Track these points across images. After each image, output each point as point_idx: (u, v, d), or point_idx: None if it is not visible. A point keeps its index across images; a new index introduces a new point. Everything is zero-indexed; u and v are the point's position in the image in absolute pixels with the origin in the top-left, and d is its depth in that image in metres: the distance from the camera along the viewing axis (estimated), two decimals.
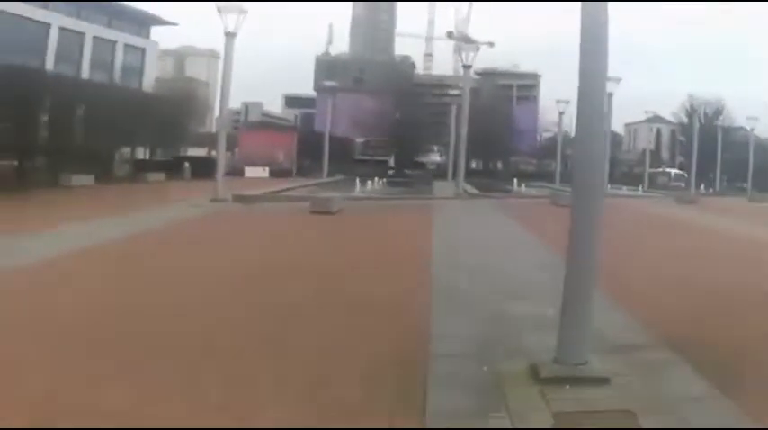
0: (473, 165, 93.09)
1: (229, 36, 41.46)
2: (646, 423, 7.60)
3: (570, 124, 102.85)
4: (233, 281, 15.79)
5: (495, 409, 7.91)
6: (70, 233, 23.19)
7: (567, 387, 8.59)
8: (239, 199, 40.35)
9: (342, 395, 8.43)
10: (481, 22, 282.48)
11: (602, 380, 8.77)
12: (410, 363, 9.60)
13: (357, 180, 60.98)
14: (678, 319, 12.71)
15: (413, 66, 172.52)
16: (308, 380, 8.95)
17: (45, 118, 51.97)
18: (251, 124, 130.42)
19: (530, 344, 10.54)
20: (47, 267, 16.69)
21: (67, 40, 73.39)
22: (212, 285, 15.25)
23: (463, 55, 58.73)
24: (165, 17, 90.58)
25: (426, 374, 9.07)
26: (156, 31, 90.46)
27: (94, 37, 77.34)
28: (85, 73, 73.84)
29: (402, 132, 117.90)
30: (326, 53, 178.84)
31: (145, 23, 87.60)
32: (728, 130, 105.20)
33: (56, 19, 72.09)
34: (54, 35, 71.64)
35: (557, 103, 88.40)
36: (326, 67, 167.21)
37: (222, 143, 44.85)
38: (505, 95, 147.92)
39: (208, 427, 7.62)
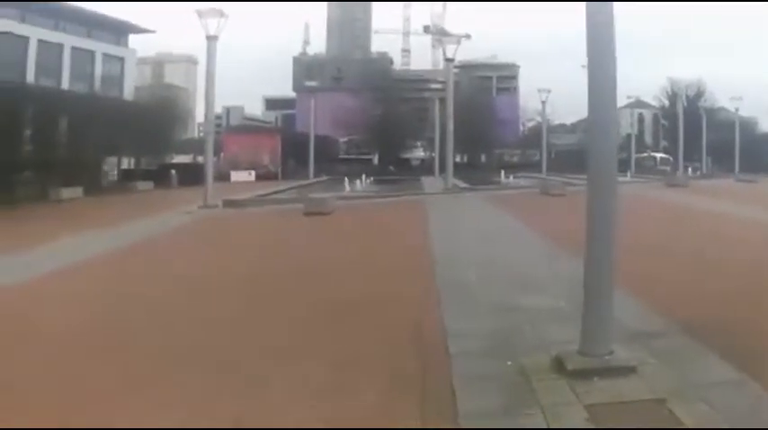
0: (457, 158, 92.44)
1: (211, 40, 41.14)
2: (678, 410, 7.60)
3: (553, 113, 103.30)
4: (254, 286, 15.89)
5: (526, 406, 7.91)
6: (76, 245, 23.32)
7: (596, 378, 8.58)
8: (230, 204, 40.08)
9: (368, 399, 8.40)
10: (456, 15, 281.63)
11: (629, 370, 8.78)
12: (433, 362, 9.62)
13: (346, 179, 60.81)
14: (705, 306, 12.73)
15: (391, 62, 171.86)
16: (328, 384, 8.95)
17: (29, 131, 51.76)
18: (234, 128, 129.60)
19: (548, 336, 10.55)
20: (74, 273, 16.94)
21: (47, 53, 73.01)
22: (230, 294, 15.20)
23: (445, 48, 58.57)
24: (142, 25, 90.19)
25: (451, 373, 9.07)
26: (133, 39, 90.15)
27: (73, 47, 76.90)
28: (66, 84, 73.40)
29: (384, 129, 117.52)
30: (304, 53, 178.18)
31: (123, 32, 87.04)
32: (711, 112, 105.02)
33: (35, 32, 71.80)
34: (33, 48, 71.33)
35: (538, 92, 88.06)
36: (305, 67, 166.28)
37: (210, 148, 44.25)
38: (485, 87, 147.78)
39: (208, 427, 7.66)
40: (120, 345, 10.94)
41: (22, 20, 71.38)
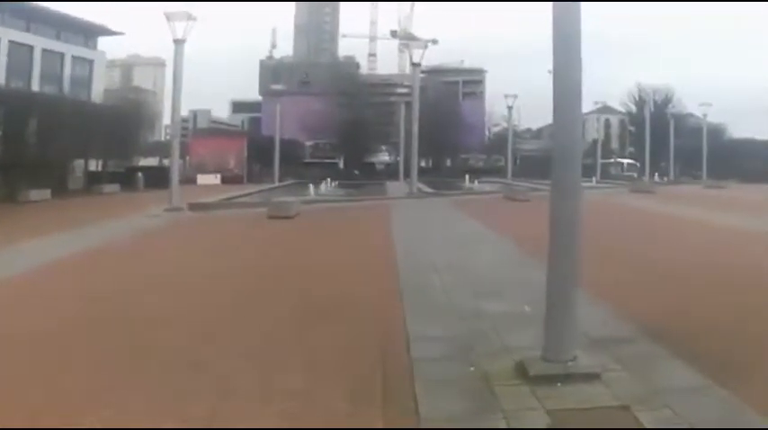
0: (422, 163, 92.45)
1: (178, 43, 40.88)
2: (642, 417, 7.57)
3: (519, 118, 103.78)
4: (217, 289, 15.68)
5: (488, 411, 7.87)
6: (37, 248, 22.75)
7: (558, 384, 8.55)
8: (195, 207, 39.84)
9: (331, 405, 8.28)
10: (423, 19, 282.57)
11: (592, 376, 8.73)
12: (395, 367, 9.55)
13: (311, 184, 60.89)
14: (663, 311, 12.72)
15: (357, 66, 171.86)
16: (288, 389, 8.78)
17: None
18: (201, 131, 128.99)
19: (511, 342, 10.49)
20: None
21: (17, 54, 72.98)
22: (188, 296, 14.94)
23: (412, 52, 58.67)
24: (111, 27, 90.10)
25: (413, 378, 9.01)
26: (103, 42, 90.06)
27: (43, 49, 77.00)
28: (35, 86, 73.62)
29: (350, 133, 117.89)
30: (271, 57, 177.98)
31: (92, 34, 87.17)
32: (679, 118, 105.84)
33: (5, 33, 71.63)
34: (3, 49, 71.23)
35: (505, 98, 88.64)
36: (271, 70, 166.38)
37: (176, 152, 44.14)
38: (452, 92, 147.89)
39: (206, 427, 7.58)
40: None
41: None
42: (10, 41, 72.24)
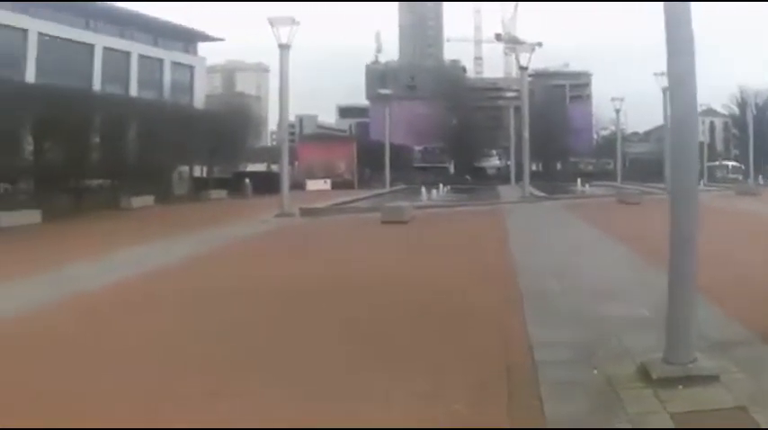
0: (533, 167, 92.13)
1: (283, 48, 41.33)
2: (761, 419, 7.77)
3: (625, 121, 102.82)
4: (343, 294, 16.07)
5: (613, 414, 8.11)
6: (144, 254, 23.66)
7: (680, 386, 8.75)
8: (307, 212, 40.42)
9: (457, 407, 8.55)
10: (526, 22, 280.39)
11: (712, 378, 8.94)
12: (520, 371, 9.81)
13: (422, 188, 60.99)
14: None
15: (463, 70, 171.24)
16: (416, 390, 9.12)
17: (98, 139, 51.87)
18: (309, 136, 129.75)
19: (631, 345, 10.68)
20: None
21: (113, 60, 73.34)
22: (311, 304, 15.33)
23: (518, 56, 58.73)
24: (210, 33, 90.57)
25: (537, 381, 9.28)
26: (202, 48, 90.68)
27: (140, 56, 77.27)
28: (134, 92, 74.48)
29: (459, 138, 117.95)
30: (376, 61, 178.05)
31: (191, 40, 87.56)
32: None
33: (100, 39, 72.33)
34: (99, 55, 71.78)
35: (612, 101, 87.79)
36: (377, 75, 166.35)
37: (285, 157, 44.94)
38: (559, 95, 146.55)
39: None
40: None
41: (86, 27, 72.10)
42: (105, 48, 72.48)
